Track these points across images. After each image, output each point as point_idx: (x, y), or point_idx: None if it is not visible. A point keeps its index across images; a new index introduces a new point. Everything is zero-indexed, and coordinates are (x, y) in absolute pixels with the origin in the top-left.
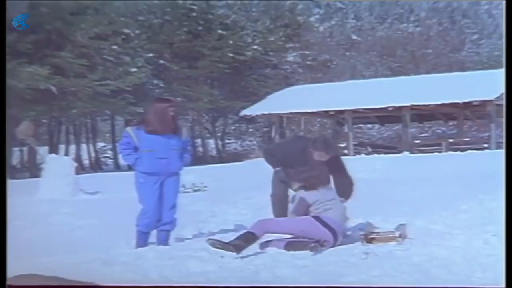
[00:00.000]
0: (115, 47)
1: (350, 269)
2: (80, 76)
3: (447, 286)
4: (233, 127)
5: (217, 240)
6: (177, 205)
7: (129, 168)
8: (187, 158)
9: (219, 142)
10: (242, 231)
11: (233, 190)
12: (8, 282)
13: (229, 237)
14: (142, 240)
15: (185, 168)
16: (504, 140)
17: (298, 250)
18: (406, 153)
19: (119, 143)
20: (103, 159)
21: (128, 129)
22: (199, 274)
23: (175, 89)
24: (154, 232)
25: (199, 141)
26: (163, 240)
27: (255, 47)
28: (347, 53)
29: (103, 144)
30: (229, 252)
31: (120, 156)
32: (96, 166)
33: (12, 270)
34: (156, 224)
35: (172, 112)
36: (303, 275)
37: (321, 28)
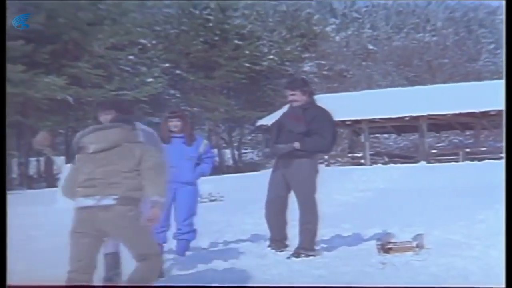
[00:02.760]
0: (131, 57)
1: (367, 279)
2: (96, 86)
3: (447, 286)
4: (249, 137)
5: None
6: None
7: None
8: (204, 169)
9: (236, 152)
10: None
11: (250, 200)
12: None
13: (246, 246)
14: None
15: (201, 178)
16: (504, 148)
17: None
18: (423, 162)
19: None
20: None
21: None
22: (216, 282)
23: (191, 99)
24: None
25: (215, 151)
26: (182, 249)
27: (271, 57)
28: (363, 63)
29: None
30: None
31: None
32: None
33: (31, 279)
34: (174, 233)
35: (174, 123)
36: (319, 285)
37: (337, 38)
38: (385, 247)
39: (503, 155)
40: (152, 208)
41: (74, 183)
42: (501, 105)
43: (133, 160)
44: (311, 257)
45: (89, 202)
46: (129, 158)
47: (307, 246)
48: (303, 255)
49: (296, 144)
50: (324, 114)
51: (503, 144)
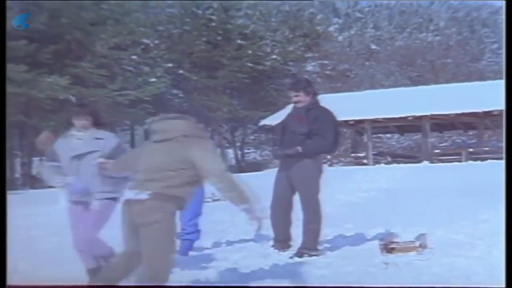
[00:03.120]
0: (134, 57)
1: (370, 279)
2: (99, 86)
3: (447, 286)
4: (252, 137)
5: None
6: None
7: None
8: None
9: (238, 152)
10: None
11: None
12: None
13: (250, 246)
14: None
15: None
16: (504, 148)
17: None
18: (426, 162)
19: None
20: None
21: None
22: (218, 282)
23: (194, 99)
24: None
25: (217, 151)
26: (186, 249)
27: (274, 57)
28: (366, 63)
29: None
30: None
31: None
32: None
33: (33, 279)
34: (179, 233)
35: None
36: (322, 285)
37: (340, 38)
38: (388, 247)
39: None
40: (252, 217)
41: (126, 165)
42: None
43: (184, 157)
44: (314, 257)
45: (129, 195)
46: (180, 154)
47: (310, 246)
48: (306, 255)
49: (299, 148)
50: (327, 114)
51: (503, 144)
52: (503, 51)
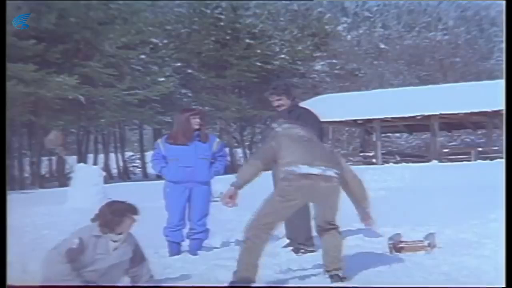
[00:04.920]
0: (143, 56)
1: (379, 278)
2: (108, 85)
3: (447, 286)
4: (260, 136)
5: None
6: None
7: (158, 177)
8: (218, 168)
9: (247, 151)
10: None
11: (261, 199)
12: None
13: None
14: (174, 249)
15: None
16: (504, 148)
17: None
18: (435, 162)
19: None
20: (131, 169)
21: (158, 140)
22: (227, 282)
23: (203, 99)
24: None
25: (227, 150)
26: (195, 249)
27: (282, 56)
28: (375, 62)
29: (131, 153)
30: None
31: (148, 166)
32: (125, 175)
33: (40, 278)
34: (188, 233)
35: (196, 121)
36: (330, 284)
37: (348, 37)
38: (397, 246)
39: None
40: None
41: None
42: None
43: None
44: (310, 253)
45: (315, 170)
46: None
47: (305, 242)
48: (302, 250)
49: None
50: (308, 112)
51: (503, 144)
52: (503, 50)
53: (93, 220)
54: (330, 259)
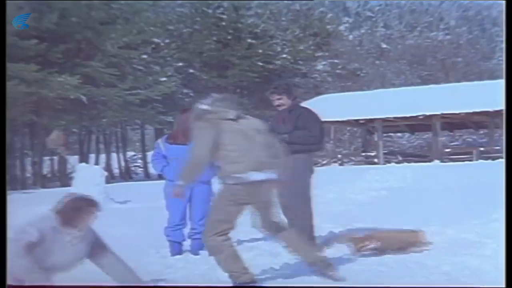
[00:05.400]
0: (145, 56)
1: (380, 278)
2: (110, 85)
3: (448, 286)
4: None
5: None
6: None
7: (159, 177)
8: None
9: None
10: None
11: None
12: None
13: (260, 245)
14: (175, 249)
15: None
16: (504, 148)
17: None
18: (437, 161)
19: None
20: (133, 168)
21: (159, 140)
22: (230, 283)
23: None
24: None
25: None
26: (196, 249)
27: (284, 56)
28: (377, 62)
29: (133, 153)
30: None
31: (150, 166)
32: (126, 175)
33: (43, 278)
34: (189, 233)
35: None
36: (331, 284)
37: (350, 37)
38: (359, 246)
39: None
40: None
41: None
42: None
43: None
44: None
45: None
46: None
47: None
48: None
49: (285, 136)
50: (309, 112)
51: (503, 144)
52: (503, 50)
53: (54, 211)
54: (308, 253)
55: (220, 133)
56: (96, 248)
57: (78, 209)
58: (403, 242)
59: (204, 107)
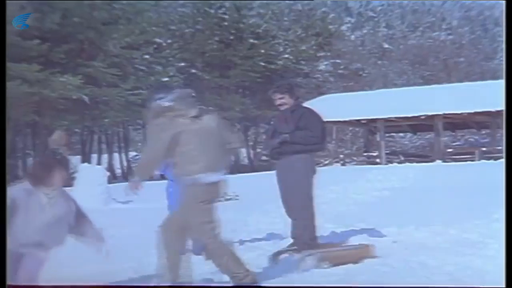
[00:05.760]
0: (147, 56)
1: (382, 278)
2: (112, 85)
3: (448, 286)
4: (264, 136)
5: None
6: None
7: (161, 177)
8: None
9: (251, 151)
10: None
11: (265, 199)
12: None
13: (262, 245)
14: None
15: None
16: (504, 148)
17: None
18: (439, 161)
19: None
20: (135, 169)
21: None
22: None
23: (206, 99)
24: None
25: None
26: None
27: (286, 56)
28: (379, 62)
29: (135, 153)
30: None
31: None
32: (129, 175)
33: (45, 279)
34: None
35: None
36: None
37: (352, 37)
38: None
39: (503, 154)
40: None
41: None
42: None
43: None
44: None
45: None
46: None
47: (309, 242)
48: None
49: (286, 136)
50: (311, 112)
51: (504, 144)
52: (503, 50)
53: (23, 178)
54: (229, 267)
55: (179, 132)
56: (80, 218)
57: (48, 166)
58: (352, 258)
59: (166, 104)
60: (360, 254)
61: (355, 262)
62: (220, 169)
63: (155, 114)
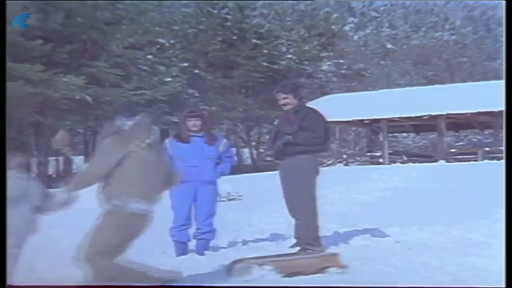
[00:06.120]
0: (150, 56)
1: (385, 279)
2: (115, 85)
3: (451, 286)
4: (267, 136)
5: None
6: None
7: None
8: (223, 168)
9: (254, 151)
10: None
11: (268, 199)
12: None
13: (265, 246)
14: (181, 249)
15: (220, 177)
16: (504, 148)
17: None
18: (442, 161)
19: None
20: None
21: (166, 139)
22: (234, 283)
23: (209, 99)
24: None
25: (233, 150)
26: (202, 249)
27: (289, 56)
28: (382, 62)
29: None
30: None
31: None
32: None
33: (50, 279)
34: (194, 233)
35: (192, 122)
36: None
37: (355, 37)
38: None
39: (503, 155)
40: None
41: None
42: None
43: None
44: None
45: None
46: None
47: (313, 242)
48: (309, 250)
49: (289, 137)
50: (315, 112)
51: (504, 144)
52: (503, 50)
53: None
54: None
55: (126, 157)
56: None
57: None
58: (313, 268)
59: (125, 127)
60: (323, 264)
61: (317, 272)
62: (151, 200)
63: (111, 133)
